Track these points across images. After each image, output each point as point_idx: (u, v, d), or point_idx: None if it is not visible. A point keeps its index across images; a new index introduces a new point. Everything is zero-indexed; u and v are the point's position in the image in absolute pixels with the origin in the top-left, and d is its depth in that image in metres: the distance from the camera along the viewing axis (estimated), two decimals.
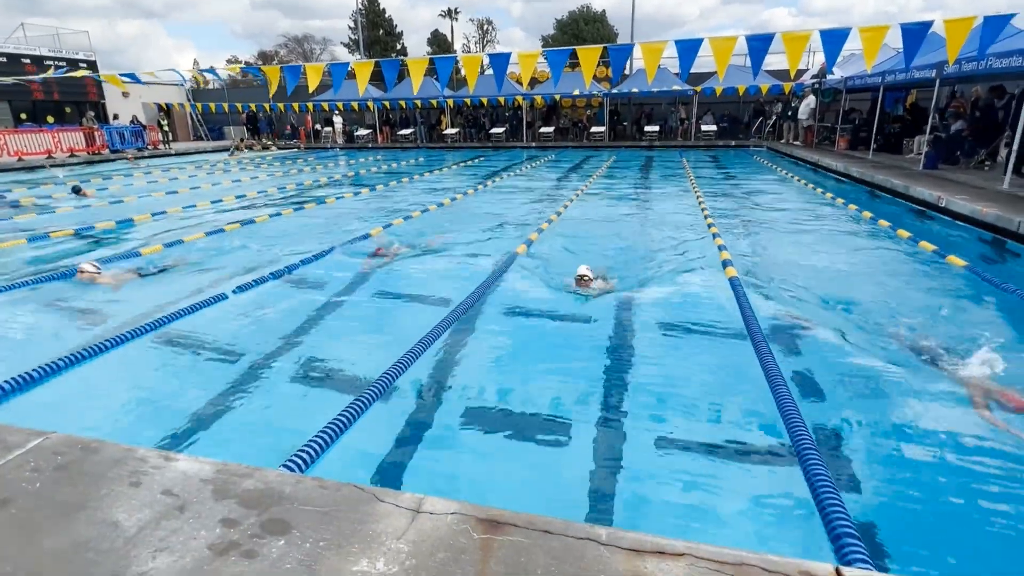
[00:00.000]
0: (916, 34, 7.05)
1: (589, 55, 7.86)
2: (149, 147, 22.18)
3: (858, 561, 1.71)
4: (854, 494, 2.20)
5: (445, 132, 25.18)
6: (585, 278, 4.54)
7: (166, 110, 25.87)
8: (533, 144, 23.57)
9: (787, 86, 19.85)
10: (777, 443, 2.50)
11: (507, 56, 9.01)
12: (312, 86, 9.46)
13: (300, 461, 2.19)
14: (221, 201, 9.94)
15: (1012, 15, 7.11)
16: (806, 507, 2.07)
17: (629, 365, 3.38)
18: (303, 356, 3.54)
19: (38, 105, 21.28)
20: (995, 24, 7.00)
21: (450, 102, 24.39)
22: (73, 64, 22.35)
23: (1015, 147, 8.48)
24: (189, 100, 27.84)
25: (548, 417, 2.78)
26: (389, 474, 2.39)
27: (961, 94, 12.28)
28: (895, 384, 3.06)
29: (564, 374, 3.26)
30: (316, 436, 2.36)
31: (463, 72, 23.57)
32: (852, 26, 7.07)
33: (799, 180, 11.77)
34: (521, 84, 22.26)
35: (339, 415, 2.56)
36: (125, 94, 22.00)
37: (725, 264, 5.27)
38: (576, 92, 22.15)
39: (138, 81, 10.40)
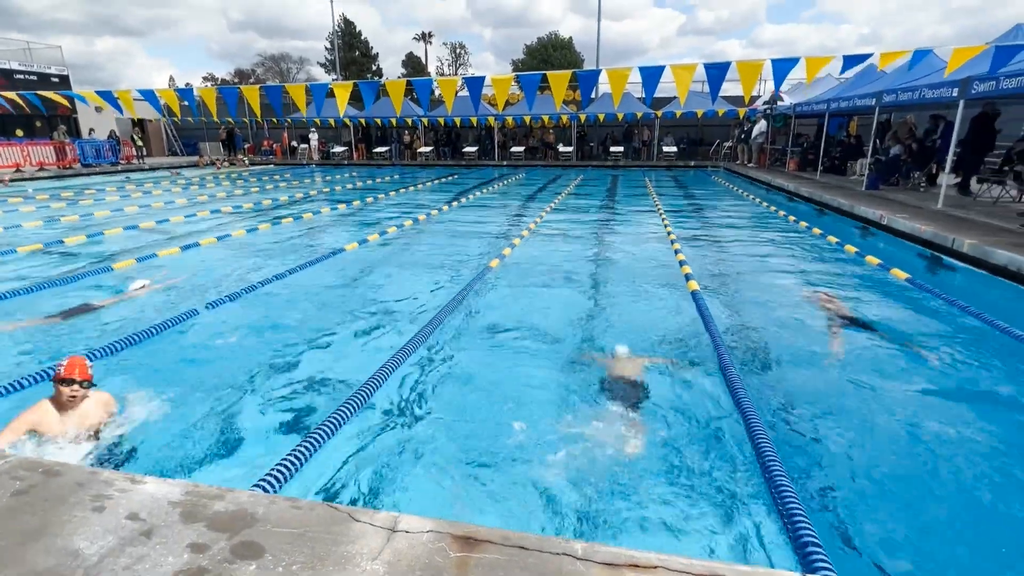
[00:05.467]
0: (855, 63, 7.67)
1: (559, 80, 8.12)
2: (122, 161, 21.77)
3: (822, 568, 1.76)
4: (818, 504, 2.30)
5: (419, 151, 25.26)
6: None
7: (140, 125, 25.08)
8: (504, 163, 23.96)
9: (741, 111, 20.94)
10: (743, 456, 2.59)
11: (482, 79, 9.21)
12: (301, 106, 9.45)
13: (273, 480, 2.14)
14: (194, 215, 9.65)
15: (930, 49, 7.85)
16: (772, 518, 2.15)
17: (594, 379, 3.44)
18: (276, 373, 3.47)
19: (7, 119, 20.31)
20: (920, 56, 7.69)
21: (424, 121, 24.55)
22: (44, 78, 21.58)
23: (947, 170, 9.19)
24: (164, 115, 27.07)
25: (518, 432, 2.80)
26: (363, 492, 2.35)
27: (906, 120, 13.18)
28: (853, 395, 3.22)
29: (531, 388, 3.30)
30: (289, 455, 2.30)
31: (438, 93, 23.87)
32: (800, 56, 7.57)
33: (754, 199, 12.35)
34: (495, 106, 22.64)
35: (312, 433, 2.51)
36: (98, 109, 21.28)
37: (688, 278, 5.47)
38: (546, 116, 22.76)
39: (117, 106, 10.08)
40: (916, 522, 2.21)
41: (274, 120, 25.92)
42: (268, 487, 2.09)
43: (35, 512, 1.54)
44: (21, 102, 11.07)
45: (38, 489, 1.64)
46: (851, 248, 6.89)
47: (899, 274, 5.59)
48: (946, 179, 9.24)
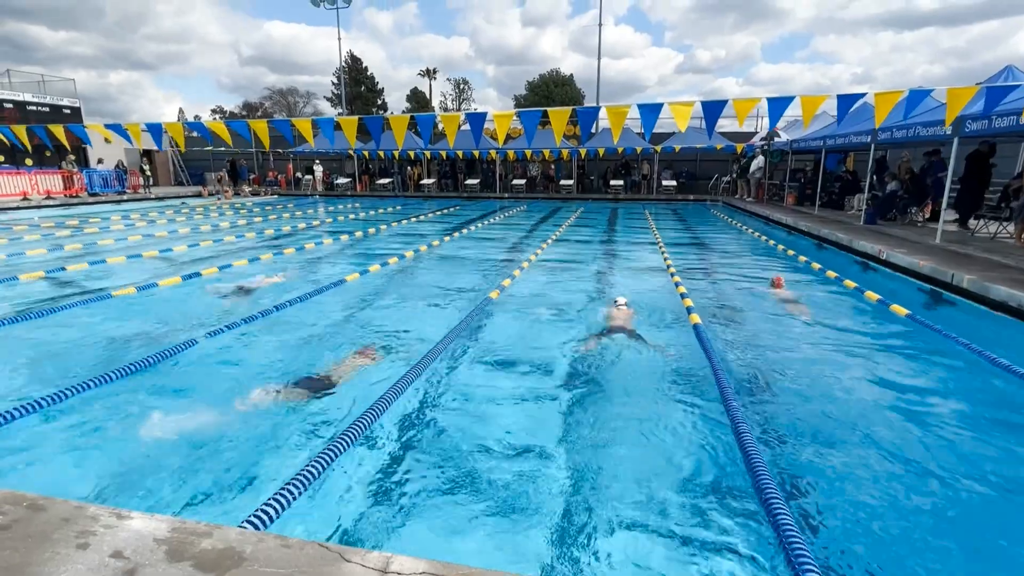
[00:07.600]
0: (849, 102, 7.78)
1: (559, 116, 8.28)
2: (129, 191, 22.20)
3: None
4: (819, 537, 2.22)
5: (422, 182, 25.72)
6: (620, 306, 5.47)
7: (148, 155, 25.67)
8: (506, 195, 24.31)
9: (739, 146, 21.39)
10: (742, 490, 2.52)
11: (484, 115, 9.41)
12: (309, 138, 9.65)
13: (264, 516, 2.07)
14: (197, 244, 9.73)
15: (931, 90, 7.99)
16: (773, 554, 2.07)
17: (595, 415, 3.37)
18: (270, 405, 3.40)
19: (16, 147, 20.90)
20: (917, 97, 7.81)
21: (427, 154, 25.09)
22: (56, 110, 22.23)
23: (944, 206, 9.30)
24: (172, 145, 27.72)
25: (515, 470, 2.73)
26: (355, 530, 2.26)
27: (903, 158, 13.40)
28: (850, 427, 3.16)
29: (531, 423, 3.23)
30: (280, 490, 2.23)
31: (441, 127, 24.47)
32: (795, 95, 7.72)
33: (754, 233, 12.44)
34: (496, 140, 23.17)
35: (305, 467, 2.44)
36: (107, 140, 22.01)
37: (689, 311, 5.45)
38: (546, 151, 23.28)
39: (127, 138, 10.29)
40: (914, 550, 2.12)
41: (280, 151, 26.51)
42: (258, 523, 2.02)
43: (17, 549, 1.48)
44: (27, 142, 11.27)
45: (21, 524, 1.59)
46: (850, 283, 6.88)
47: (899, 310, 5.57)
48: (943, 214, 9.35)
